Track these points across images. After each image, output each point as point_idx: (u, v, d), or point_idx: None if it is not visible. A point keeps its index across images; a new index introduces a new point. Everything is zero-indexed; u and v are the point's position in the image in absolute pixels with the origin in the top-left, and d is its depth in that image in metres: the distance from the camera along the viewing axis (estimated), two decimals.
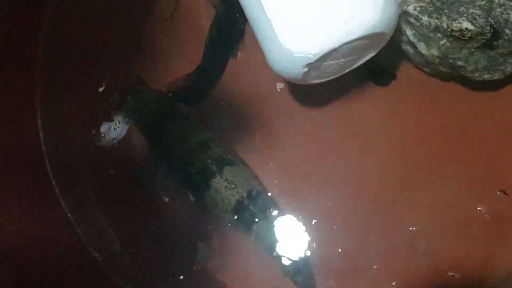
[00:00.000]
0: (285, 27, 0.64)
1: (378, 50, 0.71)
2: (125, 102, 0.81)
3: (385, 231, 0.77)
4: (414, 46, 0.74)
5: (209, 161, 0.74)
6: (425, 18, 0.69)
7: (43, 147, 0.81)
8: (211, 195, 0.74)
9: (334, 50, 0.64)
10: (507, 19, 0.67)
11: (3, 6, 0.76)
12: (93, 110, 0.83)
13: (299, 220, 0.77)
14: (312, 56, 0.64)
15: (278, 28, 0.64)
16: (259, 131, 0.81)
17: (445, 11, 0.68)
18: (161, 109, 0.82)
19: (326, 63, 0.67)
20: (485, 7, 0.67)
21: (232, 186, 0.73)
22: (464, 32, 0.67)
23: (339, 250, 0.76)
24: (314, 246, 0.76)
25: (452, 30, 0.68)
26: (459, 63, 0.72)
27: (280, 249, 0.74)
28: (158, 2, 0.85)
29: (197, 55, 0.82)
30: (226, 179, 0.74)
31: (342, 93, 0.80)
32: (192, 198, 0.78)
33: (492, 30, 0.67)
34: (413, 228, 0.76)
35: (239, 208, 0.73)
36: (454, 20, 0.67)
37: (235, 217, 0.74)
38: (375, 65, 0.73)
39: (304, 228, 0.76)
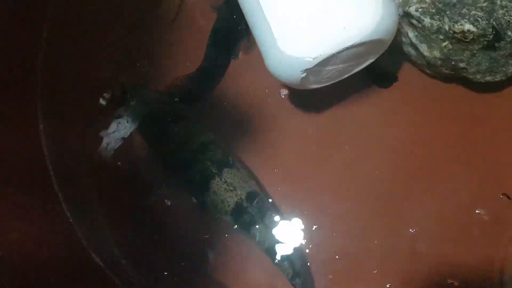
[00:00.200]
0: (284, 32, 0.64)
1: (377, 57, 0.71)
2: (129, 105, 0.81)
3: (386, 234, 0.76)
4: (416, 48, 0.74)
5: (209, 163, 0.74)
6: (427, 20, 0.69)
7: (44, 150, 0.80)
8: (211, 196, 0.74)
9: (333, 55, 0.64)
10: (509, 20, 0.67)
11: (3, 13, 0.76)
12: (94, 113, 0.83)
13: (298, 222, 0.77)
14: (311, 61, 0.64)
15: (277, 33, 0.65)
16: (260, 133, 0.81)
17: (447, 12, 0.68)
18: (162, 110, 0.81)
19: (324, 68, 0.67)
20: (487, 9, 0.67)
21: (231, 188, 0.73)
22: (466, 34, 0.67)
23: (339, 253, 0.76)
24: (314, 249, 0.76)
25: (454, 32, 0.68)
26: (461, 64, 0.72)
27: (279, 251, 0.73)
28: (160, 5, 0.85)
29: (199, 57, 0.82)
30: (226, 181, 0.74)
31: (344, 95, 0.80)
32: (194, 200, 0.78)
33: (494, 32, 0.67)
34: (414, 231, 0.75)
35: (238, 210, 0.73)
36: (456, 22, 0.67)
37: (234, 219, 0.74)
38: (377, 67, 0.73)
39: (303, 231, 0.76)
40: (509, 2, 0.67)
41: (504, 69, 0.72)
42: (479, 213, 0.75)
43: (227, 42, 0.83)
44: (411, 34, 0.73)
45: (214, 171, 0.74)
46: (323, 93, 0.75)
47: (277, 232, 0.74)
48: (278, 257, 0.73)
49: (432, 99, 0.79)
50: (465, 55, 0.70)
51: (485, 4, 0.67)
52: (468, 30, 0.67)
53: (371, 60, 0.72)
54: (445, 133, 0.78)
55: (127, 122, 0.80)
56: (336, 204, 0.78)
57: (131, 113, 0.80)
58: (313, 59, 0.63)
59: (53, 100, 0.82)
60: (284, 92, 0.80)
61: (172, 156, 0.78)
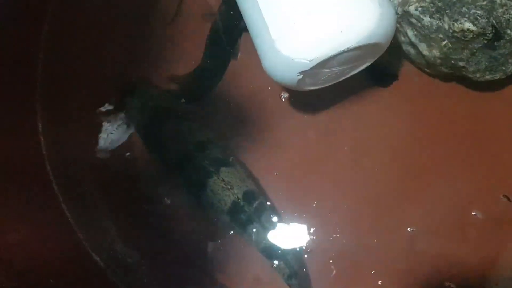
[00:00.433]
0: (282, 34, 0.64)
1: (374, 60, 0.72)
2: (127, 104, 0.81)
3: (385, 233, 0.76)
4: (415, 47, 0.74)
5: (206, 161, 0.74)
6: (426, 19, 0.69)
7: (44, 152, 0.80)
8: (208, 195, 0.74)
9: (330, 58, 0.64)
10: (509, 19, 0.67)
11: (2, 10, 0.75)
12: (94, 114, 0.82)
13: (296, 223, 0.76)
14: (307, 63, 0.64)
15: (275, 34, 0.65)
16: (259, 132, 0.81)
17: (447, 11, 0.68)
18: (160, 107, 0.81)
19: (321, 71, 0.67)
20: (486, 8, 0.67)
21: (228, 187, 0.73)
22: (465, 33, 0.67)
23: (338, 253, 0.76)
24: (312, 249, 0.75)
25: (454, 31, 0.68)
26: (461, 63, 0.72)
27: (275, 252, 0.73)
28: (159, 5, 0.85)
29: (198, 56, 0.82)
30: (223, 180, 0.73)
31: (344, 94, 0.80)
32: (192, 198, 0.78)
33: (493, 31, 0.67)
34: (412, 230, 0.75)
35: (235, 209, 0.73)
36: (456, 20, 0.67)
37: (231, 218, 0.74)
38: (376, 67, 0.72)
39: (301, 231, 0.76)
40: (508, 0, 0.67)
41: (503, 68, 0.72)
42: (477, 214, 0.75)
43: (227, 41, 0.83)
44: (411, 33, 0.73)
45: (211, 169, 0.74)
46: (322, 93, 0.75)
47: (274, 232, 0.74)
48: (274, 257, 0.73)
49: (431, 98, 0.79)
50: (464, 54, 0.70)
51: (484, 3, 0.67)
52: (468, 29, 0.67)
53: (368, 63, 0.72)
54: (444, 132, 0.78)
55: (127, 124, 0.80)
56: (335, 204, 0.77)
57: (132, 112, 0.80)
58: (310, 61, 0.64)
59: (52, 100, 0.82)
60: (284, 94, 0.80)
61: (169, 154, 0.78)
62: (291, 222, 0.76)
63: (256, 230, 0.73)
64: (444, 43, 0.70)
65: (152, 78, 0.83)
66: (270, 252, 0.73)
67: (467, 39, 0.68)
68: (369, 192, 0.78)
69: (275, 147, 0.80)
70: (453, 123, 0.78)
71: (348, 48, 0.63)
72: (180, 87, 0.82)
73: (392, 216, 0.77)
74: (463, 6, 0.67)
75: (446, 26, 0.68)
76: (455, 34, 0.68)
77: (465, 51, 0.70)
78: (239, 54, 0.82)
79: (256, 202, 0.74)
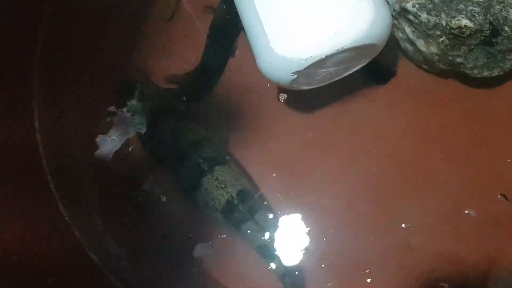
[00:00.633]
0: (277, 33, 0.65)
1: (370, 60, 0.72)
2: (131, 94, 0.81)
3: (381, 233, 0.76)
4: (413, 44, 0.74)
5: (201, 160, 0.74)
6: (424, 16, 0.69)
7: (41, 151, 0.80)
8: (202, 194, 0.74)
9: (324, 58, 0.64)
10: (506, 16, 0.67)
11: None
12: (91, 112, 0.83)
13: (291, 222, 0.76)
14: (302, 62, 0.64)
15: (270, 33, 0.65)
16: (255, 130, 0.81)
17: (444, 8, 0.68)
18: (157, 106, 0.81)
19: (316, 70, 0.68)
20: (484, 4, 0.67)
21: (222, 185, 0.73)
22: (463, 30, 0.67)
23: (332, 253, 0.76)
24: (306, 248, 0.76)
25: (451, 28, 0.67)
26: (458, 60, 0.72)
27: (269, 250, 0.73)
28: (156, 3, 0.85)
29: (197, 55, 0.82)
30: (217, 179, 0.74)
31: (341, 92, 0.80)
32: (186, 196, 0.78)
33: (491, 27, 0.67)
34: (407, 226, 0.75)
35: (229, 208, 0.73)
36: (453, 17, 0.67)
37: (225, 216, 0.74)
38: (374, 64, 0.73)
39: (296, 230, 0.76)
40: None
41: (501, 64, 0.72)
42: (473, 212, 0.75)
43: (226, 39, 0.82)
44: (408, 30, 0.73)
45: (205, 168, 0.74)
46: (320, 91, 0.75)
47: (268, 230, 0.74)
48: (269, 256, 0.73)
49: (429, 94, 0.79)
50: (462, 50, 0.70)
51: (481, 0, 0.67)
52: (465, 26, 0.67)
53: (363, 64, 0.72)
54: (442, 129, 0.78)
55: (126, 129, 0.80)
56: (330, 203, 0.77)
57: (135, 109, 0.80)
58: (305, 60, 0.64)
59: (49, 98, 0.82)
60: (283, 95, 0.80)
61: (164, 153, 0.78)
62: (287, 221, 0.76)
63: (250, 229, 0.73)
64: (441, 39, 0.70)
65: (151, 77, 0.83)
66: (265, 251, 0.73)
67: (464, 35, 0.68)
68: (367, 190, 0.78)
69: (271, 145, 0.80)
70: (451, 120, 0.78)
71: (342, 48, 0.63)
72: (181, 86, 0.82)
73: (389, 215, 0.76)
74: (460, 3, 0.67)
75: (444, 23, 0.68)
76: (453, 31, 0.68)
77: (462, 47, 0.70)
78: (237, 52, 0.82)
79: (251, 201, 0.74)
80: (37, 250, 0.72)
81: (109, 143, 0.80)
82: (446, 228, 0.75)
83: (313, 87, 0.73)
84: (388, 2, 0.72)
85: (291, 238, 0.75)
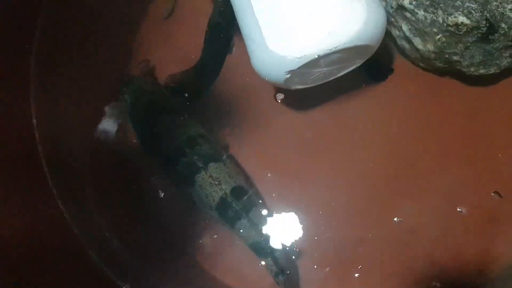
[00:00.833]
0: (272, 31, 0.65)
1: (364, 61, 0.72)
2: (123, 93, 0.81)
3: (377, 231, 0.76)
4: (410, 41, 0.74)
5: (195, 156, 0.74)
6: (420, 13, 0.69)
7: (39, 147, 0.80)
8: (196, 190, 0.74)
9: (318, 58, 0.65)
10: (503, 13, 0.67)
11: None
12: (88, 107, 0.82)
13: (285, 219, 0.76)
14: (295, 60, 0.65)
15: (266, 31, 0.66)
16: (252, 127, 0.81)
17: (441, 5, 0.68)
18: (152, 102, 0.81)
19: (309, 70, 0.68)
20: (480, 1, 0.67)
21: (216, 182, 0.73)
22: (459, 27, 0.67)
23: (327, 251, 0.76)
24: (300, 246, 0.76)
25: (448, 25, 0.68)
26: (455, 58, 0.72)
27: (263, 248, 0.73)
28: (154, 1, 0.85)
29: (195, 51, 0.82)
30: (211, 176, 0.74)
31: (338, 91, 0.80)
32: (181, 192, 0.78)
33: (487, 24, 0.67)
34: (403, 224, 0.76)
35: (223, 205, 0.73)
36: (450, 14, 0.67)
37: (219, 213, 0.74)
38: (371, 62, 0.73)
39: (290, 228, 0.76)
40: None
41: (498, 62, 0.72)
42: (465, 210, 0.75)
43: (224, 35, 0.83)
44: (405, 27, 0.73)
45: (200, 165, 0.74)
46: (317, 88, 0.75)
47: (262, 228, 0.74)
48: (262, 253, 0.73)
49: (425, 92, 0.79)
50: (458, 48, 0.70)
51: None
52: (462, 23, 0.67)
53: (357, 64, 0.73)
54: (439, 127, 0.78)
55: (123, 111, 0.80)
56: (325, 200, 0.78)
57: (126, 106, 0.80)
58: (298, 59, 0.64)
59: (47, 94, 0.82)
60: (280, 95, 0.80)
61: (160, 149, 0.78)
62: (281, 218, 0.76)
63: (244, 226, 0.73)
64: (438, 37, 0.70)
65: (150, 73, 0.83)
66: (259, 248, 0.73)
67: (461, 33, 0.68)
68: (363, 188, 0.78)
69: (268, 143, 0.80)
70: (447, 118, 0.79)
71: (335, 49, 0.64)
72: (181, 84, 0.82)
73: (386, 212, 0.77)
74: None
75: (440, 20, 0.68)
76: (449, 28, 0.68)
77: (459, 45, 0.70)
78: (234, 49, 0.82)
79: (245, 198, 0.74)
80: (34, 246, 0.72)
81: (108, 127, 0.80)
82: (441, 224, 0.76)
83: (307, 86, 0.73)
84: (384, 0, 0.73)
85: (284, 236, 0.75)
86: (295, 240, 0.76)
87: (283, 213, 0.77)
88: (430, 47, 0.72)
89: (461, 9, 0.67)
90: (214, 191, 0.73)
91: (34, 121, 0.81)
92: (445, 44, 0.70)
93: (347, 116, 0.80)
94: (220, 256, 0.78)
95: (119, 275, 0.77)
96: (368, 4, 0.65)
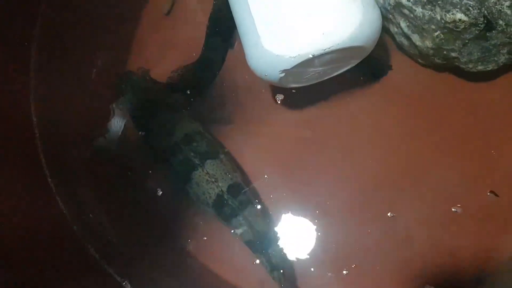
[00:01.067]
0: (268, 30, 0.66)
1: (359, 61, 0.72)
2: (122, 90, 0.81)
3: (374, 229, 0.76)
4: (408, 38, 0.74)
5: (192, 154, 0.75)
6: (419, 10, 0.69)
7: (38, 142, 0.80)
8: (193, 187, 0.75)
9: (312, 58, 0.65)
10: (500, 9, 0.67)
11: None
12: (88, 103, 0.83)
13: (282, 217, 0.77)
14: (290, 59, 0.65)
15: (261, 31, 0.66)
16: (250, 125, 0.81)
17: (439, 2, 0.68)
18: (150, 99, 0.81)
19: (304, 69, 0.69)
20: None
21: (213, 179, 0.74)
22: (457, 23, 0.67)
23: (323, 248, 0.76)
24: (296, 243, 0.76)
25: (446, 22, 0.68)
26: (453, 54, 0.72)
27: (258, 245, 0.74)
28: None
29: (195, 48, 0.82)
30: (207, 173, 0.74)
31: (337, 88, 0.80)
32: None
33: (485, 21, 0.67)
34: (393, 216, 0.76)
35: (219, 202, 0.74)
36: (448, 11, 0.67)
37: (216, 210, 0.74)
38: (370, 59, 0.73)
39: (286, 225, 0.77)
40: None
41: (495, 58, 0.72)
42: (460, 209, 0.75)
43: (225, 31, 0.83)
44: (403, 24, 0.73)
45: (196, 162, 0.74)
46: (316, 85, 0.75)
47: (258, 225, 0.74)
48: (258, 250, 0.74)
49: (424, 88, 0.79)
50: (456, 44, 0.70)
51: None
52: (460, 20, 0.67)
53: (352, 65, 0.73)
54: (437, 123, 0.79)
55: (122, 107, 0.80)
56: (323, 198, 0.78)
57: (125, 102, 0.80)
58: (292, 59, 0.65)
59: (47, 90, 0.82)
60: (280, 96, 0.80)
61: (158, 146, 0.78)
62: (277, 216, 0.77)
63: (240, 223, 0.73)
64: (436, 34, 0.70)
65: (149, 70, 0.83)
66: (254, 245, 0.74)
67: (459, 29, 0.68)
68: (361, 185, 0.78)
69: (266, 140, 0.81)
70: (445, 114, 0.79)
71: (329, 49, 0.64)
72: (182, 80, 0.82)
73: (382, 211, 0.77)
74: None
75: (438, 17, 0.68)
76: (447, 25, 0.68)
77: (457, 41, 0.70)
78: (236, 44, 0.83)
79: (241, 196, 0.74)
80: (32, 240, 0.73)
81: (116, 125, 0.80)
82: (439, 221, 0.76)
83: (302, 85, 0.74)
84: None
85: (281, 233, 0.76)
86: (290, 238, 0.76)
87: (280, 211, 0.77)
88: (428, 43, 0.72)
89: (459, 6, 0.67)
90: (210, 188, 0.74)
91: (34, 119, 0.81)
92: (443, 41, 0.70)
93: (345, 112, 0.80)
94: (218, 251, 0.78)
95: (119, 271, 0.77)
96: (364, 6, 0.65)
